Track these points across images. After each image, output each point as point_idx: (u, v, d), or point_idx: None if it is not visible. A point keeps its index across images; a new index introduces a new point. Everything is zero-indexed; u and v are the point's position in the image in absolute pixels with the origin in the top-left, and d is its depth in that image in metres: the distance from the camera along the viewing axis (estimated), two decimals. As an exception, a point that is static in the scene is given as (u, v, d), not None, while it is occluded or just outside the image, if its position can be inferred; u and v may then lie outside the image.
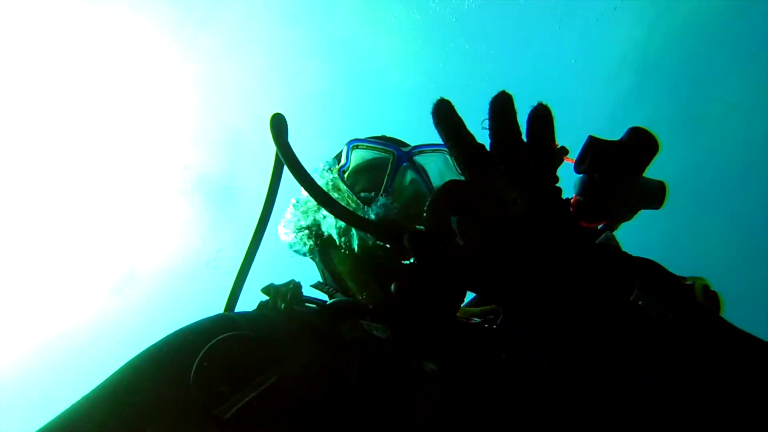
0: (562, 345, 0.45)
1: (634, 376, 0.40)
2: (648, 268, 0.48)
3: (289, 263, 1.16)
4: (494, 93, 0.47)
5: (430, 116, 0.49)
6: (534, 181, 0.47)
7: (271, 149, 0.72)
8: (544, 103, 0.46)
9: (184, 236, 12.16)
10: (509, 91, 0.46)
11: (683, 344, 0.41)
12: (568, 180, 0.62)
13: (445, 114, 0.48)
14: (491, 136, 0.48)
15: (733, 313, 0.59)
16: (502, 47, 12.15)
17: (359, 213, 0.88)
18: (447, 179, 0.96)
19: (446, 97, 0.48)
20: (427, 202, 0.49)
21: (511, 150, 0.47)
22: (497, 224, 0.46)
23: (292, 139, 0.71)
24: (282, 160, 0.69)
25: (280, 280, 0.84)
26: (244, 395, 0.49)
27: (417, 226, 0.77)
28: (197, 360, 0.50)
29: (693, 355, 0.40)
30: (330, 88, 12.57)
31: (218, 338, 0.53)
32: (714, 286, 0.61)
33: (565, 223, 0.47)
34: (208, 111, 11.94)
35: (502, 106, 0.47)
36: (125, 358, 0.57)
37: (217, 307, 0.80)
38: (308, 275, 0.97)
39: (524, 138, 0.47)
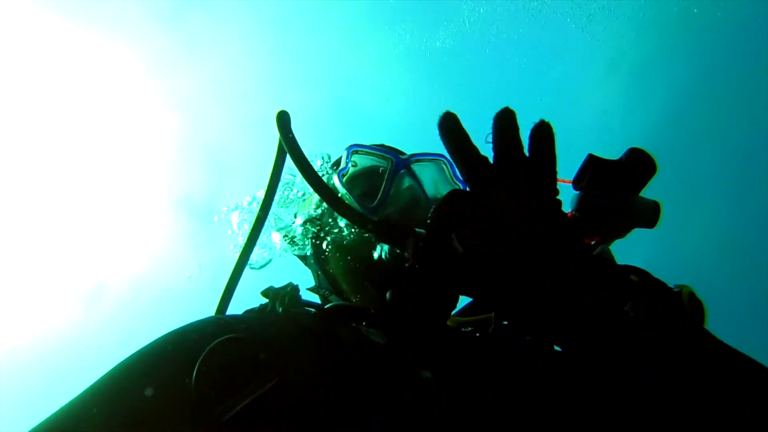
0: (557, 345, 0.46)
1: (631, 375, 0.41)
2: (638, 276, 0.49)
3: (283, 268, 1.16)
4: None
5: (436, 128, 0.50)
6: (534, 194, 0.48)
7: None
8: (546, 120, 0.48)
9: (165, 253, 12.14)
10: (512, 108, 0.48)
11: (678, 343, 0.42)
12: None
13: (450, 127, 0.49)
14: (494, 149, 0.49)
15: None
16: (476, 83, 12.62)
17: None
18: (440, 188, 0.98)
19: (452, 111, 0.49)
20: (431, 210, 0.50)
21: (512, 163, 0.48)
22: (491, 229, 0.48)
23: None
24: (287, 152, 0.70)
25: (275, 284, 0.84)
26: (244, 397, 0.49)
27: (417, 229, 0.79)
28: (199, 361, 0.50)
29: (688, 354, 0.41)
30: (311, 110, 12.78)
31: (220, 339, 0.53)
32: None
33: (559, 229, 0.48)
34: (191, 131, 12.08)
35: (505, 122, 0.48)
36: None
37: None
38: (304, 279, 0.97)
39: (526, 152, 0.49)
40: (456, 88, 12.50)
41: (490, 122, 0.49)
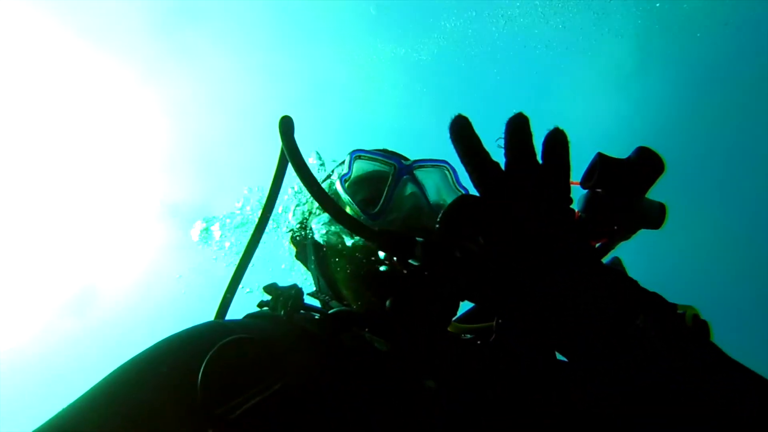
0: (557, 343, 0.46)
1: (631, 373, 0.41)
2: (650, 298, 0.49)
3: (285, 271, 1.15)
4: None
5: (447, 131, 0.49)
6: (545, 197, 0.48)
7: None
8: (560, 127, 0.48)
9: (157, 257, 12.13)
10: (526, 114, 0.48)
11: (678, 341, 0.42)
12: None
13: (462, 130, 0.49)
14: (506, 155, 0.49)
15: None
16: (472, 87, 12.81)
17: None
18: (443, 194, 0.98)
19: (464, 114, 0.49)
20: (440, 216, 0.50)
21: (525, 169, 0.48)
22: (495, 229, 0.48)
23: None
24: (289, 159, 0.69)
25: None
26: (250, 397, 0.49)
27: (417, 238, 0.79)
28: (206, 359, 0.50)
29: (687, 352, 0.41)
30: (305, 115, 12.85)
31: (227, 339, 0.53)
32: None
33: (561, 228, 0.48)
34: (184, 138, 12.14)
35: (518, 127, 0.48)
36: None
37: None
38: (305, 280, 0.96)
39: (539, 159, 0.49)
40: (450, 92, 12.62)
41: (502, 127, 0.48)
